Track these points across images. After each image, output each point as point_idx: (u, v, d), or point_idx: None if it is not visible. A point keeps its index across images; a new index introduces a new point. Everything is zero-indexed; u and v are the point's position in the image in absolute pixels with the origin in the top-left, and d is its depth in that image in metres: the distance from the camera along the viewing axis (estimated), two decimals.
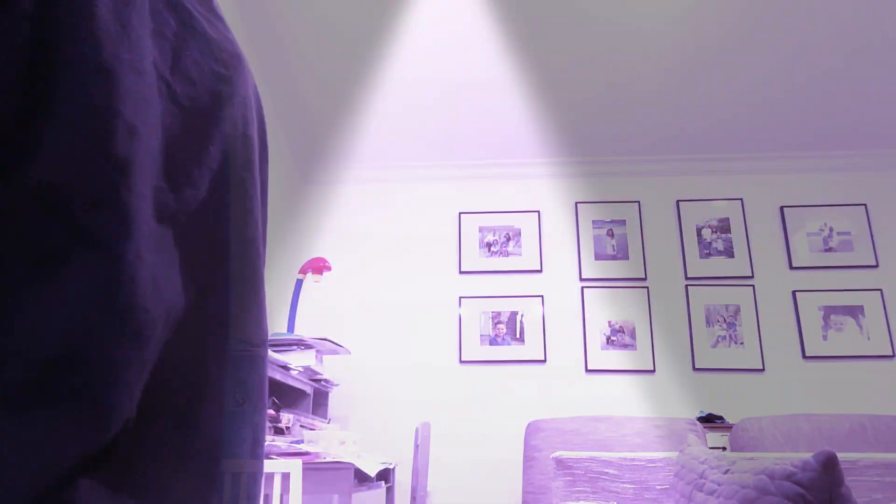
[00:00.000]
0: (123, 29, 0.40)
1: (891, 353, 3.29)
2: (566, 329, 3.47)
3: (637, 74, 3.16)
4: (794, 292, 3.44)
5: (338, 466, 2.03)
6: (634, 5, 2.84)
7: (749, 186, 3.65)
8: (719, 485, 1.42)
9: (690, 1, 2.81)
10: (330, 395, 3.17)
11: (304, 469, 1.90)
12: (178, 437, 0.44)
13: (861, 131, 3.48)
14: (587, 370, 3.39)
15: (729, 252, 3.54)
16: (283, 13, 2.94)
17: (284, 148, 3.57)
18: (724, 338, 3.39)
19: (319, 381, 2.97)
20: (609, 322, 3.46)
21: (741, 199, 3.63)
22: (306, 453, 2.07)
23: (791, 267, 3.50)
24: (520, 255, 3.62)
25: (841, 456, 1.19)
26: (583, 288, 3.54)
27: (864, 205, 3.55)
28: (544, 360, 3.41)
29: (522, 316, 3.50)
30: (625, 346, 3.42)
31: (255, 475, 0.60)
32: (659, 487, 2.06)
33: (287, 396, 2.75)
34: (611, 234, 3.63)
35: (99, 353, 0.35)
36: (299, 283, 3.34)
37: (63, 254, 0.35)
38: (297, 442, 2.28)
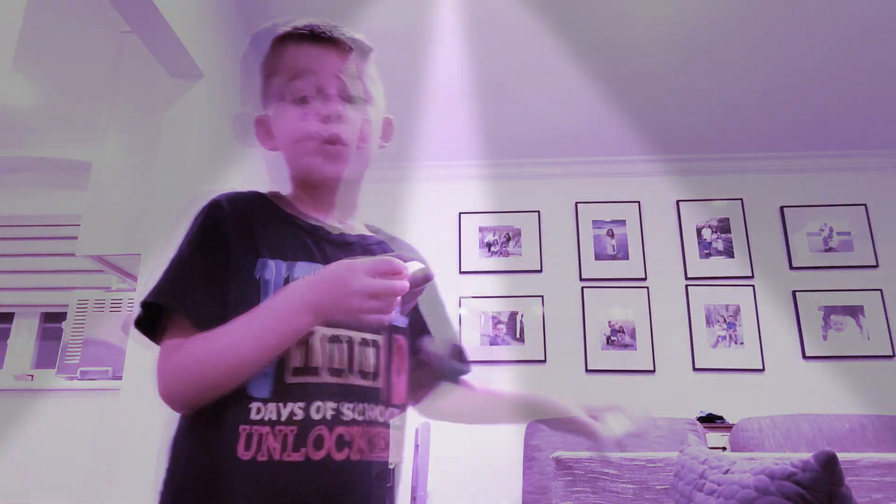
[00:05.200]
0: None
1: (891, 353, 3.29)
2: (566, 329, 3.47)
3: (637, 74, 3.16)
4: (794, 292, 3.44)
5: None
6: (635, 5, 2.84)
7: (749, 186, 3.65)
8: (719, 485, 1.42)
9: (691, 0, 2.81)
10: None
11: None
12: None
13: (861, 131, 3.47)
14: (587, 370, 3.39)
15: (729, 252, 3.54)
16: (285, 13, 2.93)
17: None
18: (724, 338, 3.39)
19: None
20: (609, 322, 3.46)
21: (741, 199, 3.63)
22: None
23: (791, 267, 3.49)
24: (520, 255, 3.62)
25: (841, 456, 1.19)
26: (583, 288, 3.54)
27: (864, 205, 3.55)
28: (544, 360, 3.41)
29: (522, 316, 3.49)
30: (625, 346, 3.42)
31: None
32: (659, 487, 2.06)
33: None
34: (611, 234, 3.63)
35: None
36: None
37: None
38: None
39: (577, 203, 3.69)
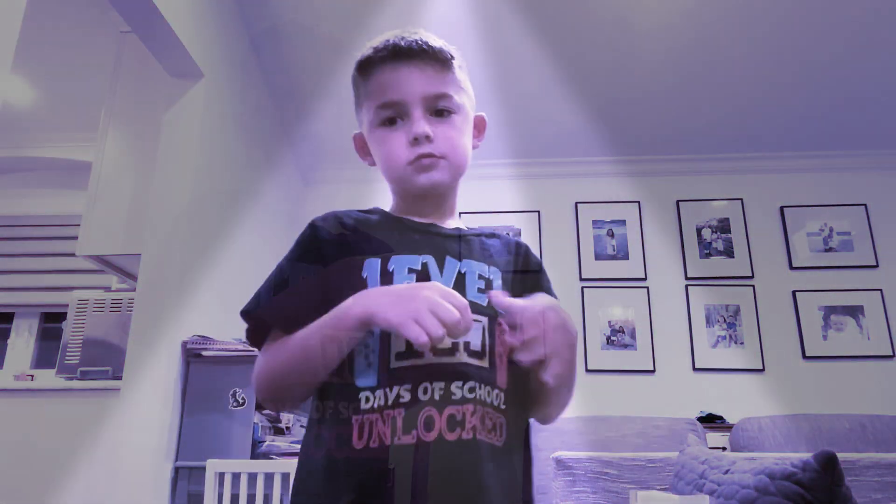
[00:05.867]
0: None
1: (891, 353, 3.29)
2: None
3: (637, 74, 3.16)
4: (794, 292, 3.44)
5: None
6: (635, 5, 2.84)
7: (749, 186, 3.65)
8: (719, 485, 1.42)
9: (691, 1, 2.81)
10: None
11: None
12: None
13: (861, 131, 3.47)
14: (587, 370, 3.38)
15: (729, 252, 3.54)
16: (284, 13, 2.94)
17: (284, 148, 3.57)
18: (724, 338, 3.39)
19: None
20: (609, 322, 3.46)
21: (741, 199, 3.63)
22: None
23: (791, 267, 3.49)
24: None
25: (841, 456, 1.19)
26: (583, 288, 3.54)
27: (864, 205, 3.55)
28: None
29: None
30: (625, 346, 3.42)
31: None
32: (659, 487, 2.06)
33: None
34: (611, 234, 3.63)
35: None
36: None
37: None
38: (297, 442, 2.28)
39: (577, 203, 3.69)
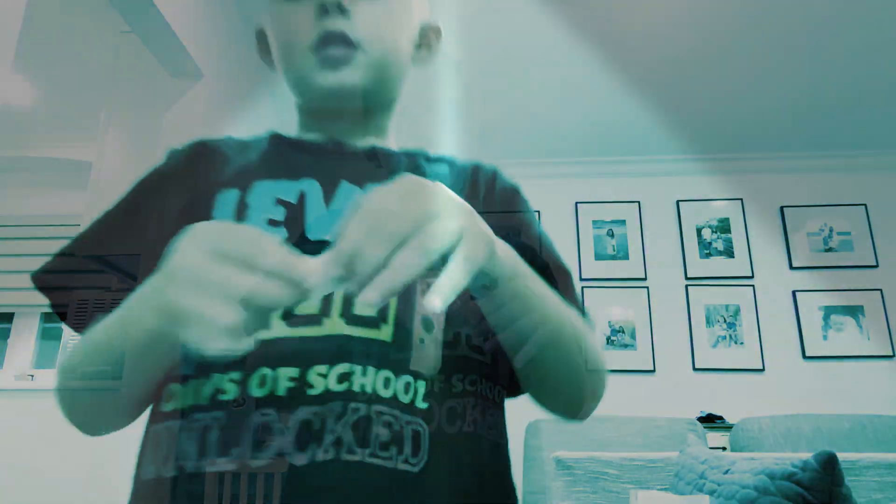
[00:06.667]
0: None
1: (891, 353, 3.29)
2: None
3: (637, 74, 3.16)
4: (794, 292, 3.44)
5: None
6: (633, 6, 2.84)
7: (749, 186, 3.65)
8: (719, 485, 1.42)
9: (690, 2, 2.81)
10: None
11: None
12: None
13: (861, 131, 3.47)
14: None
15: (729, 252, 3.54)
16: None
17: None
18: (724, 338, 3.39)
19: None
20: (609, 322, 3.46)
21: (741, 199, 3.63)
22: None
23: (791, 267, 3.49)
24: None
25: (841, 456, 1.19)
26: (583, 288, 3.54)
27: (864, 205, 3.55)
28: None
29: None
30: (625, 346, 3.42)
31: None
32: (659, 487, 2.06)
33: None
34: (611, 234, 3.63)
35: None
36: None
37: None
38: None
39: (577, 203, 3.69)
